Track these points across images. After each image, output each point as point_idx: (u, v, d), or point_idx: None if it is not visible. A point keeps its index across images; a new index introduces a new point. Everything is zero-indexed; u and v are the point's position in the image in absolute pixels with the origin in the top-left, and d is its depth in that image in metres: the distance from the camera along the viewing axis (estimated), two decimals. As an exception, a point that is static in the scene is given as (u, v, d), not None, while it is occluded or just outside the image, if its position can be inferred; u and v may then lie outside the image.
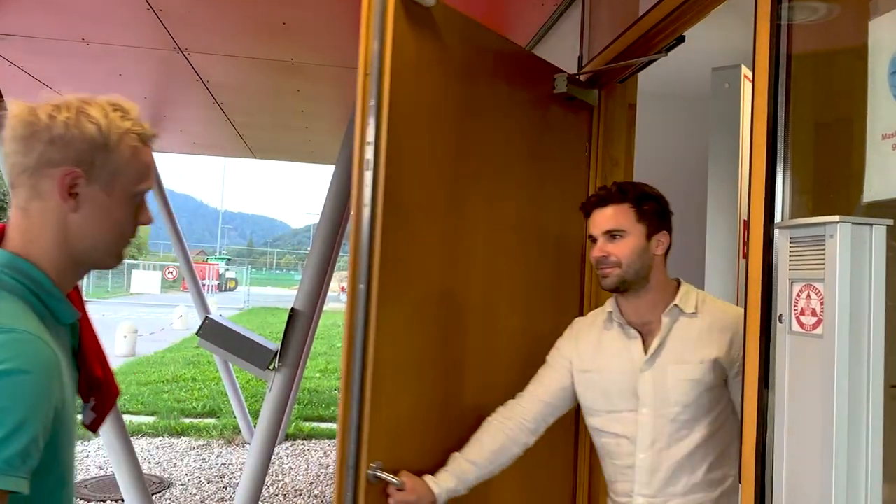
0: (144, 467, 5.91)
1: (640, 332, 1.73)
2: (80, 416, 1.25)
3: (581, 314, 2.30)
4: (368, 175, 1.68)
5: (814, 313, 1.03)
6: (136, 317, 20.15)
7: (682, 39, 2.05)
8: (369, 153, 1.69)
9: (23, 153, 1.03)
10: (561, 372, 1.85)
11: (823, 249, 1.01)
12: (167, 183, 7.11)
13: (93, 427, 1.30)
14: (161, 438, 6.98)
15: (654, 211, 1.70)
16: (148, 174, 1.12)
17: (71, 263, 1.08)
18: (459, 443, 1.85)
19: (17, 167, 1.04)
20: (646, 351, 1.70)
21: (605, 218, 1.71)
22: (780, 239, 1.12)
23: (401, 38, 1.74)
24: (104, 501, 5.06)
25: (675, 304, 1.69)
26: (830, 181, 1.46)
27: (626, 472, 1.71)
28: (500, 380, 2.06)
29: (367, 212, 1.68)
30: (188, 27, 3.35)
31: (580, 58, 2.62)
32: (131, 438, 6.89)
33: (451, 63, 1.93)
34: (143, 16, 3.20)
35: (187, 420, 7.65)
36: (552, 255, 2.41)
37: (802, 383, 1.05)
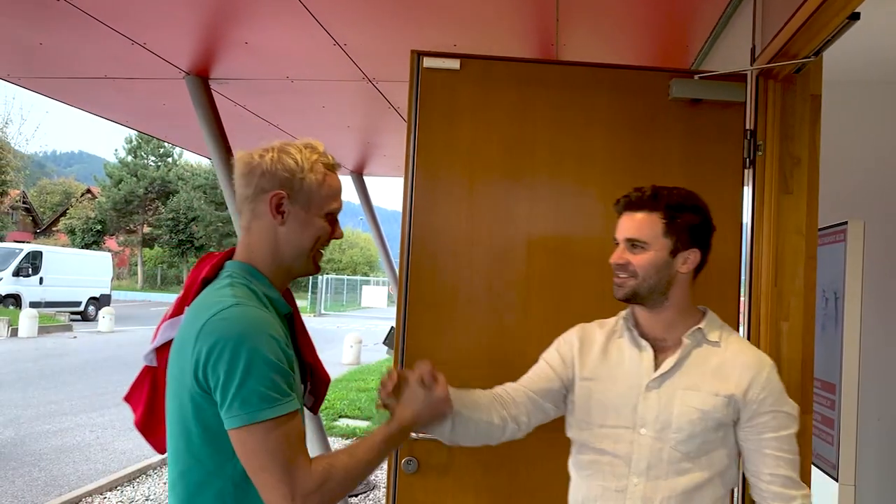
0: (354, 468, 6.37)
1: (652, 348, 1.59)
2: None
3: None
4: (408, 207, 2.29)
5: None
6: (364, 329, 21.75)
7: (855, 17, 1.80)
8: (409, 192, 2.28)
9: (244, 186, 1.38)
10: (554, 372, 1.71)
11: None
12: (385, 203, 7.63)
13: (313, 409, 1.61)
14: (373, 443, 7.46)
15: (688, 225, 1.56)
16: (335, 195, 1.43)
17: (282, 268, 1.40)
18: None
19: (241, 197, 1.39)
20: (656, 368, 1.57)
21: (630, 225, 1.59)
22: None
23: (429, 98, 2.28)
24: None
25: (700, 328, 1.58)
26: None
27: (617, 497, 1.56)
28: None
29: (406, 243, 2.28)
30: (370, 57, 3.60)
31: (752, 49, 2.40)
32: (348, 441, 7.48)
33: (497, 105, 2.29)
34: (331, 51, 3.50)
35: (397, 427, 8.09)
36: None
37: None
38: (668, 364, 1.56)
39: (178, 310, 1.47)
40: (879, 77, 2.69)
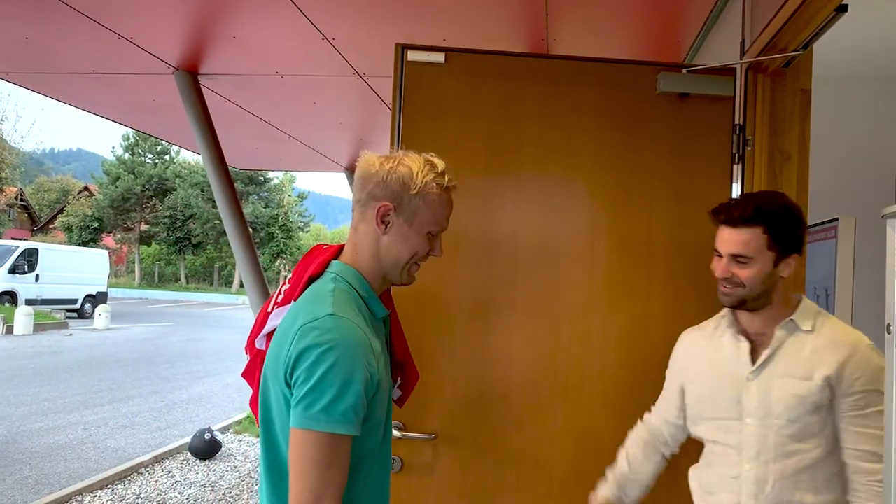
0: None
1: (751, 342, 1.68)
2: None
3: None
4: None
5: (923, 321, 0.82)
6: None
7: (843, 9, 1.77)
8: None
9: (359, 189, 1.44)
10: (678, 391, 1.86)
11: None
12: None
13: (399, 402, 1.66)
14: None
15: (787, 234, 1.62)
16: (442, 218, 1.46)
17: (378, 272, 1.46)
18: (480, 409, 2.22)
19: (355, 198, 1.46)
20: (754, 361, 1.67)
21: (734, 240, 1.63)
22: (889, 231, 0.91)
23: (414, 92, 2.23)
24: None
25: (792, 319, 1.65)
26: None
27: (732, 483, 1.66)
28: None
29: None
30: (359, 52, 3.57)
31: (742, 43, 2.37)
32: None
33: (483, 99, 2.25)
34: (319, 45, 3.47)
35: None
36: (675, 266, 2.28)
37: (911, 408, 0.84)
38: (763, 356, 1.65)
39: (286, 300, 1.52)
40: (870, 73, 2.66)
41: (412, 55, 2.24)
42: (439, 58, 2.24)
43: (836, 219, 2.66)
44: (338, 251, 1.51)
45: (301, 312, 1.35)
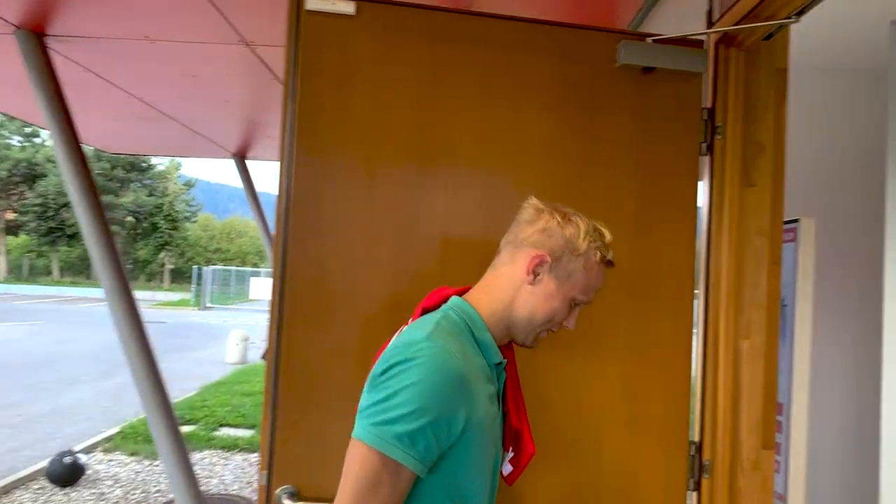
0: (234, 487, 5.70)
1: None
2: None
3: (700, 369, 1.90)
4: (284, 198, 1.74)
5: None
6: (253, 323, 20.71)
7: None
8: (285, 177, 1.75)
9: (520, 231, 1.38)
10: None
11: None
12: (272, 188, 6.95)
13: (508, 479, 1.44)
14: (258, 455, 6.79)
15: None
16: (592, 289, 1.38)
17: (504, 320, 1.36)
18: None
19: (508, 239, 1.40)
20: None
21: None
22: None
23: (314, 52, 1.75)
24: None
25: None
26: None
27: None
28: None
29: (281, 244, 1.77)
30: (247, 15, 2.99)
31: (709, 12, 2.00)
32: (227, 454, 6.77)
33: (406, 65, 1.80)
34: (197, 4, 2.86)
35: (286, 435, 7.45)
36: (635, 283, 1.90)
37: None
38: None
39: None
40: (840, 64, 2.38)
41: (312, 3, 1.72)
42: (349, 8, 1.73)
43: (797, 220, 2.38)
44: (463, 290, 1.41)
45: (400, 336, 1.28)
